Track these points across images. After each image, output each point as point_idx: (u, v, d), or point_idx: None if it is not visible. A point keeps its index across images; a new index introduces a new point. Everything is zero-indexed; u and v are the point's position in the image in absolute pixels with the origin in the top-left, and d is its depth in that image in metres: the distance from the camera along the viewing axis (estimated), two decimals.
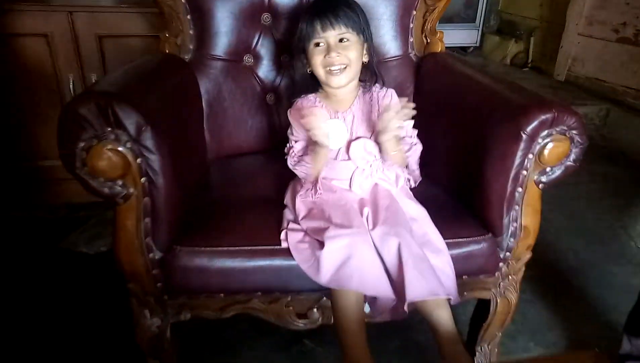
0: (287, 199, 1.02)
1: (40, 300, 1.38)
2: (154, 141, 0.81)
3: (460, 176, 1.08)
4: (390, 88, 1.13)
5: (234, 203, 1.05)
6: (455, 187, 1.10)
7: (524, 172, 0.94)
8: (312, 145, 1.00)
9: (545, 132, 0.91)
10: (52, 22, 1.53)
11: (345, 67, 1.03)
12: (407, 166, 1.08)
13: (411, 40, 1.33)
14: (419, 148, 1.09)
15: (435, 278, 0.88)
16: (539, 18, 3.33)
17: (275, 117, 1.32)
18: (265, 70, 1.30)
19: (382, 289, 0.87)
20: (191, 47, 1.23)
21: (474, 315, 1.15)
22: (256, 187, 1.13)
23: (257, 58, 1.28)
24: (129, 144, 0.80)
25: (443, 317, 0.90)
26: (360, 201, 0.99)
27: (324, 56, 1.02)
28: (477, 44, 3.85)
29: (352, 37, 1.03)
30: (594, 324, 1.34)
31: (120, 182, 0.83)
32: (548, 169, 0.95)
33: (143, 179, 0.83)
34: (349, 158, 1.03)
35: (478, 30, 3.80)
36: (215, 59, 1.23)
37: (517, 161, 0.92)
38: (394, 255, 0.87)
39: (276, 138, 1.30)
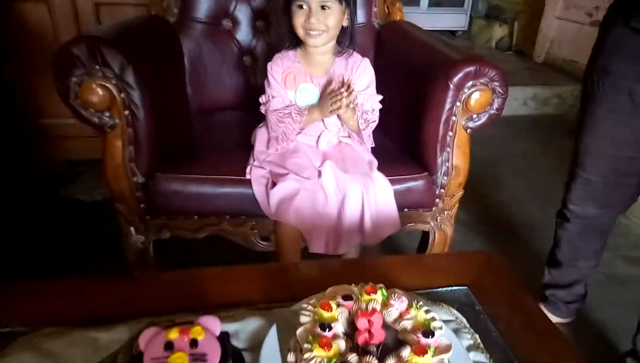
0: (255, 140, 1.18)
1: (42, 238, 1.55)
2: (135, 78, 0.98)
3: (406, 126, 1.24)
4: (366, 58, 1.17)
5: (209, 143, 1.22)
6: (402, 136, 1.26)
7: (453, 118, 1.10)
8: (311, 113, 1.09)
9: (470, 83, 1.07)
10: None
11: (323, 32, 1.07)
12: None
13: (375, 10, 1.48)
14: (373, 125, 1.15)
15: (386, 221, 1.07)
16: (523, 3, 3.46)
17: (251, 78, 1.48)
18: (242, 34, 1.45)
19: (317, 229, 1.05)
20: (175, 10, 1.38)
21: (419, 246, 1.32)
22: (229, 133, 1.30)
23: (235, 22, 1.44)
24: (113, 81, 0.96)
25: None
26: (323, 154, 1.14)
27: (305, 20, 1.05)
28: (466, 28, 3.98)
29: (334, 5, 1.05)
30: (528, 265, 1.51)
31: (107, 113, 0.99)
32: (474, 116, 1.11)
33: (126, 112, 1.00)
34: (323, 120, 1.14)
35: (466, 14, 3.93)
36: (197, 22, 1.39)
37: (447, 107, 1.09)
38: (358, 201, 1.06)
39: (251, 96, 1.42)
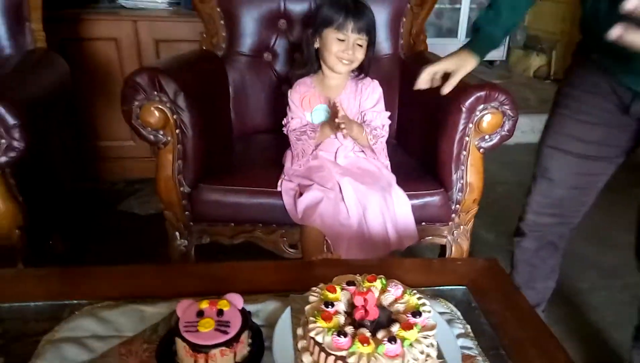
0: (285, 159, 1.32)
1: (103, 243, 1.75)
2: (186, 103, 1.15)
3: (424, 145, 1.35)
4: (375, 80, 1.33)
5: (247, 160, 1.39)
6: (421, 154, 1.37)
7: (467, 138, 1.20)
8: (322, 129, 1.25)
9: (481, 106, 1.17)
10: (121, 29, 1.95)
11: (352, 62, 1.25)
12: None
13: (401, 42, 1.62)
14: (383, 140, 1.29)
15: (405, 234, 1.17)
16: (560, 33, 3.49)
17: (287, 102, 1.63)
18: (280, 65, 1.62)
19: (340, 236, 1.16)
20: (223, 45, 1.58)
21: None
22: (265, 153, 1.45)
23: (274, 55, 1.61)
24: (168, 104, 1.14)
25: None
26: (343, 169, 1.26)
27: (342, 50, 1.22)
28: (504, 58, 4.05)
29: (365, 43, 1.24)
30: None
31: (161, 132, 1.17)
32: (487, 136, 1.20)
33: (177, 131, 1.17)
34: (336, 137, 1.29)
35: (504, 44, 4.00)
36: (241, 55, 1.58)
37: (460, 128, 1.19)
38: (378, 214, 1.17)
39: None
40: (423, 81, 1.11)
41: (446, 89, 1.09)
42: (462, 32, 3.86)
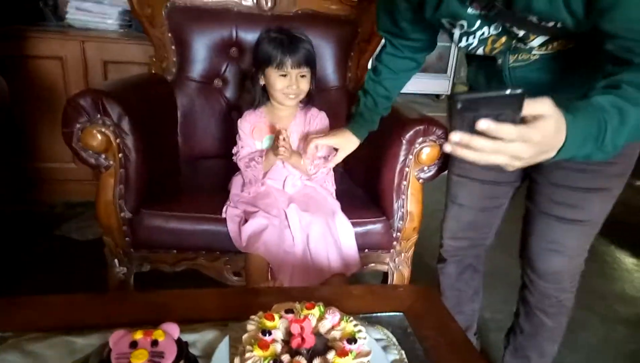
0: (231, 186, 1.33)
1: (38, 271, 1.66)
2: (130, 126, 1.14)
3: (369, 175, 1.39)
4: (322, 111, 1.38)
5: (193, 185, 1.37)
6: (366, 183, 1.41)
7: (407, 169, 1.26)
8: (267, 155, 1.27)
9: (420, 139, 1.23)
10: (67, 48, 1.90)
11: (298, 95, 1.29)
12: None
13: (349, 75, 1.68)
14: (325, 170, 1.33)
15: (348, 260, 1.20)
16: None
17: (237, 131, 1.64)
18: (230, 92, 1.64)
19: (284, 263, 1.17)
20: (173, 70, 1.58)
21: None
22: (212, 178, 1.45)
23: (225, 82, 1.63)
24: (112, 128, 1.12)
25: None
26: (289, 197, 1.28)
27: (287, 86, 1.25)
28: (449, 92, 4.28)
29: (308, 73, 1.28)
30: None
31: (103, 156, 1.15)
32: (425, 168, 1.27)
33: (120, 155, 1.15)
34: (284, 166, 1.31)
35: (449, 80, 4.25)
36: (192, 81, 1.58)
37: (401, 159, 1.24)
38: (321, 241, 1.19)
39: None
40: (309, 154, 1.24)
41: (330, 165, 1.26)
42: None
